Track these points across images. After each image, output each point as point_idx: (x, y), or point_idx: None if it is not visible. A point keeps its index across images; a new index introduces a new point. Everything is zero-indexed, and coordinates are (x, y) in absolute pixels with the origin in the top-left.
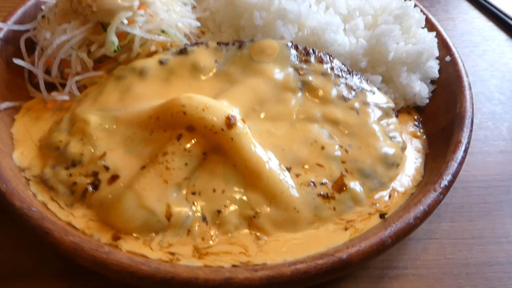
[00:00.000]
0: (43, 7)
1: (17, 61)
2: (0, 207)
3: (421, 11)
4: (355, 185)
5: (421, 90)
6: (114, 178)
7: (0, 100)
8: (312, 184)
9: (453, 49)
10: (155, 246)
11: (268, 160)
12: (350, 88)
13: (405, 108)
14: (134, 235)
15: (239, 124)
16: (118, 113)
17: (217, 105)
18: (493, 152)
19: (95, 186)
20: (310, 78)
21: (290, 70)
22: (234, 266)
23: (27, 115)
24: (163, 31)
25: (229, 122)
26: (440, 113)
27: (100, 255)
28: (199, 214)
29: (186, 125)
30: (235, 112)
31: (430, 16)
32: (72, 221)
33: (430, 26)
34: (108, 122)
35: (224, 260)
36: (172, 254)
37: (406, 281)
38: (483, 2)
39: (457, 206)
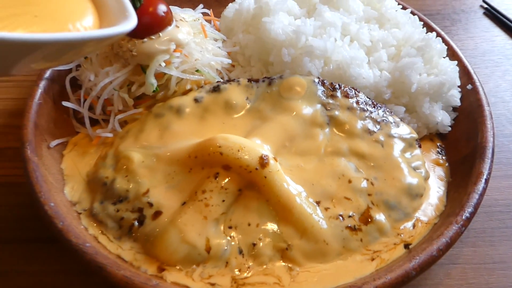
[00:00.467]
0: None
1: (66, 103)
2: (56, 243)
3: (443, 40)
4: (381, 217)
5: (444, 119)
6: (157, 214)
7: (50, 138)
8: (340, 217)
9: (474, 77)
10: (196, 277)
11: (299, 195)
12: (375, 121)
13: (428, 135)
14: (177, 267)
15: (272, 162)
16: (159, 150)
17: (251, 146)
18: None
19: (141, 221)
20: (337, 113)
21: (318, 106)
22: None
23: (74, 150)
24: (197, 70)
25: (263, 162)
26: (462, 141)
27: None
28: (236, 247)
29: (223, 164)
30: (267, 151)
31: (452, 43)
32: (121, 254)
33: (452, 53)
34: (150, 160)
35: None
36: (212, 284)
37: None
38: (504, 19)
39: (479, 231)
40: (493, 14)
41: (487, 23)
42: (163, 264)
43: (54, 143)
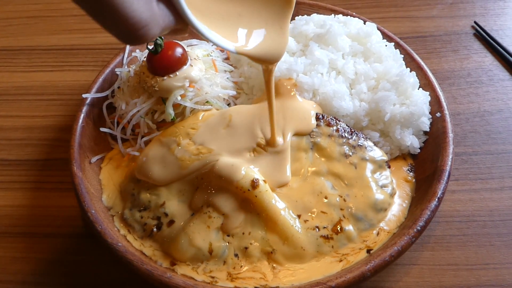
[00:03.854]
0: (117, 71)
1: (103, 129)
2: (97, 240)
3: (422, 70)
4: (349, 228)
5: (413, 143)
6: (171, 222)
7: (91, 154)
8: (316, 228)
9: (444, 105)
10: (200, 271)
11: (284, 209)
12: (351, 146)
13: (401, 155)
14: (186, 263)
15: (261, 183)
16: None
17: (245, 171)
18: (481, 189)
19: (159, 227)
20: (319, 139)
21: None
22: None
23: (109, 164)
24: (207, 102)
25: (254, 184)
26: (428, 162)
27: (164, 279)
28: (232, 250)
29: (223, 185)
30: (258, 174)
31: (429, 73)
32: (143, 250)
33: (427, 83)
34: None
35: (249, 283)
36: (212, 277)
37: None
38: (491, 41)
39: (439, 237)
40: (482, 36)
41: (476, 44)
42: (175, 260)
43: (94, 159)
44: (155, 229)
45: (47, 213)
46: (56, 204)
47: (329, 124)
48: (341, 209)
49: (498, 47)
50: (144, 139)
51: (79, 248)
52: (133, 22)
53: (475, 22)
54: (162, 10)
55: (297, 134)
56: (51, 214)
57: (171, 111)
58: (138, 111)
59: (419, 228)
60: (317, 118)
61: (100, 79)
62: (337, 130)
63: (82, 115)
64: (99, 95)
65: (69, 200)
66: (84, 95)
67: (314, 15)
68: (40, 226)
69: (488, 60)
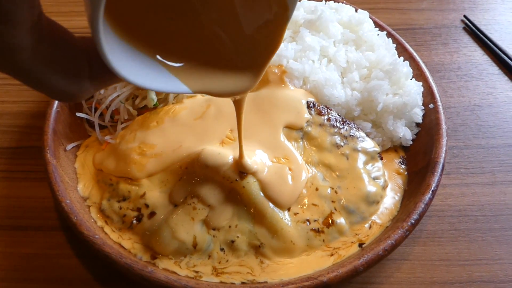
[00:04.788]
0: None
1: (80, 114)
2: (72, 233)
3: (414, 60)
4: (341, 220)
5: (405, 134)
6: (152, 214)
7: (66, 142)
8: (307, 221)
9: (437, 97)
10: (183, 265)
11: None
12: (342, 136)
13: (393, 147)
14: (169, 257)
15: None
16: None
17: (233, 160)
18: (472, 184)
19: (139, 219)
20: (310, 129)
21: None
22: (243, 283)
23: (86, 151)
24: None
25: (241, 175)
26: (420, 154)
27: (145, 273)
28: (218, 245)
29: (209, 175)
30: None
31: (421, 64)
32: (122, 242)
33: (420, 73)
34: None
35: (235, 278)
36: (196, 272)
37: None
38: (480, 35)
39: (430, 232)
40: (471, 30)
41: (466, 38)
42: (156, 254)
43: (69, 146)
44: (134, 221)
45: (17, 204)
46: (27, 195)
47: (320, 113)
48: (332, 201)
49: (488, 42)
50: (123, 125)
51: (53, 242)
52: (60, 98)
53: (464, 16)
54: (92, 80)
55: (289, 128)
56: (22, 205)
57: (153, 97)
58: (117, 96)
59: (413, 221)
60: (308, 107)
61: None
62: (329, 120)
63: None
64: None
65: (42, 191)
66: None
67: (305, 1)
68: (10, 218)
69: (478, 54)
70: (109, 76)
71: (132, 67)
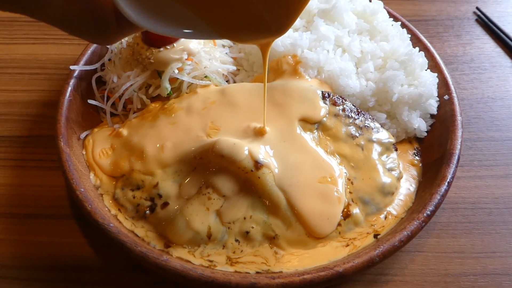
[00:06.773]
0: (108, 46)
1: (91, 101)
2: (84, 221)
3: (428, 52)
4: (356, 211)
5: (420, 126)
6: (165, 204)
7: (79, 130)
8: None
9: (452, 88)
10: (197, 255)
11: None
12: (357, 127)
13: (407, 138)
14: (183, 245)
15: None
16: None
17: (248, 151)
18: (486, 176)
19: (152, 209)
20: (324, 119)
21: None
22: (257, 273)
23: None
24: (206, 76)
25: (257, 165)
26: (435, 146)
27: (161, 262)
28: (232, 235)
29: (224, 165)
30: (262, 156)
31: (436, 55)
32: (135, 230)
33: (434, 64)
34: None
35: (250, 268)
36: (211, 261)
37: (394, 286)
38: (493, 27)
39: (444, 224)
40: (484, 22)
41: (478, 30)
42: (170, 242)
43: (83, 135)
44: (148, 211)
45: (29, 193)
46: (38, 183)
47: (335, 103)
48: (349, 192)
49: (501, 34)
50: (135, 115)
51: (65, 230)
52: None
53: (477, 8)
54: (117, 28)
55: (303, 121)
56: (34, 194)
57: (167, 85)
58: (131, 85)
59: (428, 212)
60: (323, 97)
61: (89, 51)
62: (344, 110)
63: (69, 88)
64: (88, 67)
65: (53, 179)
66: (72, 67)
67: None
68: (21, 206)
69: (490, 46)
70: (131, 24)
71: (150, 17)
